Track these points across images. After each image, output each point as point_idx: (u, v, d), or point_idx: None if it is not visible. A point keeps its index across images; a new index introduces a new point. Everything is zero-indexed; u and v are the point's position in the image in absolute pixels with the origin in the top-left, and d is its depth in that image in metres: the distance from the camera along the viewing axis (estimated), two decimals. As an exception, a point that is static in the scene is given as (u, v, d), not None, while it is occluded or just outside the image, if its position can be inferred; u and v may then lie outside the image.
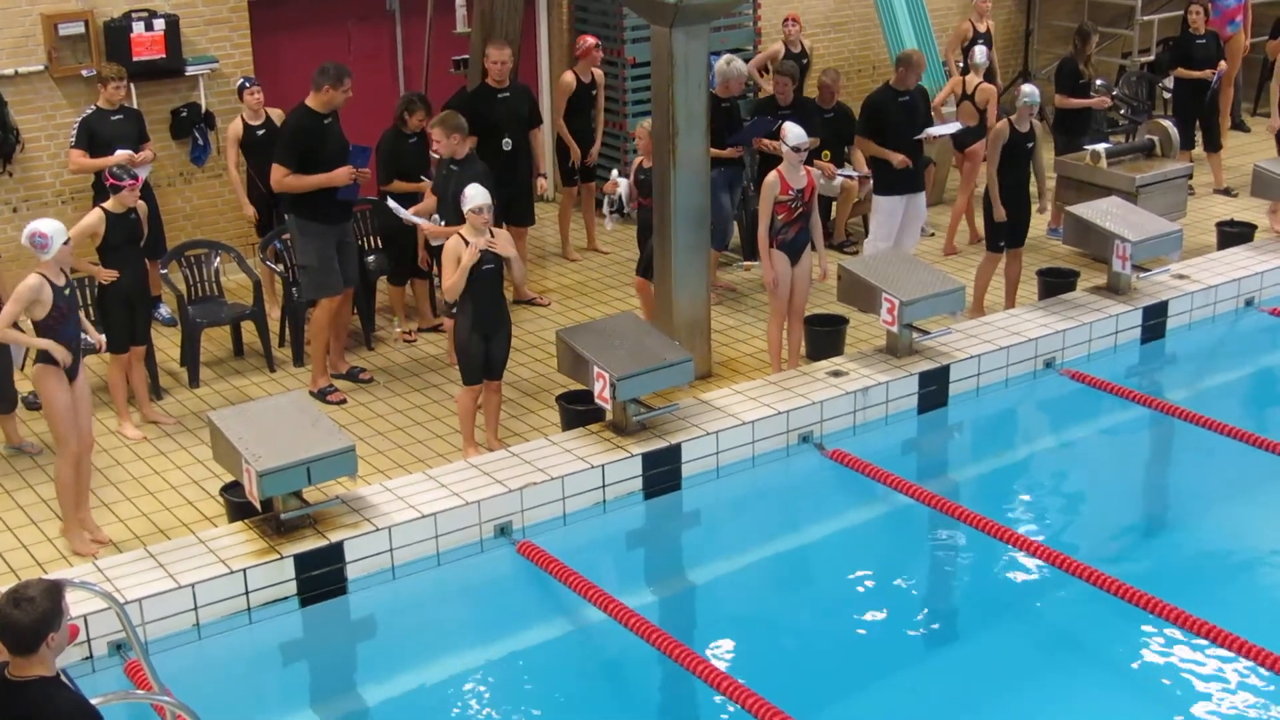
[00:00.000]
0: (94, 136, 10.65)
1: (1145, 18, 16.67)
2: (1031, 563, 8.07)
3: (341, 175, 9.86)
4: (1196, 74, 14.15)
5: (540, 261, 12.78)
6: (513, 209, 11.40)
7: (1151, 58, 16.42)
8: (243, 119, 11.11)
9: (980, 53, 13.28)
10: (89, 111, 10.78)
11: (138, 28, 11.65)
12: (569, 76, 12.56)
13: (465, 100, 11.57)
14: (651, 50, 10.10)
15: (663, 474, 8.79)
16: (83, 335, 8.25)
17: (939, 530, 8.66)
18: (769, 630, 7.78)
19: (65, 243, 7.92)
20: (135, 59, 11.64)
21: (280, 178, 9.90)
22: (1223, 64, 14.24)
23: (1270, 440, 9.16)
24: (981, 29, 14.76)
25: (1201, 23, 14.35)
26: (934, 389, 9.82)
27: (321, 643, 7.75)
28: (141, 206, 9.50)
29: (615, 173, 11.25)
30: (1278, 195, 12.29)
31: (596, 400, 8.88)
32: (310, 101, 9.85)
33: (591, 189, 13.10)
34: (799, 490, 9.20)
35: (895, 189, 11.50)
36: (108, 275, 9.22)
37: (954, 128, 12.60)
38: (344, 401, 10.05)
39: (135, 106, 11.26)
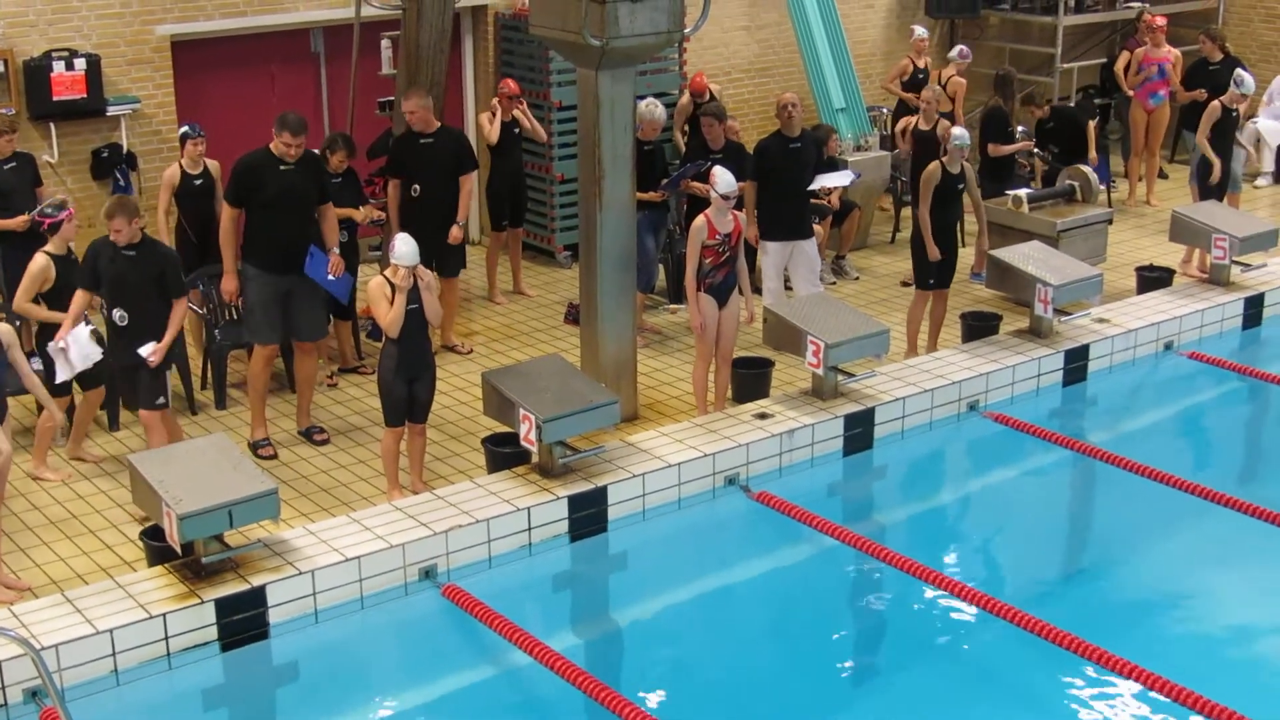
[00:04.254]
0: None
1: (1065, 65, 16.96)
2: (955, 603, 8.10)
3: (226, 286, 9.89)
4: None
5: (466, 305, 12.74)
6: (440, 258, 11.30)
7: (1072, 104, 16.69)
8: (181, 167, 10.92)
9: (957, 51, 14.98)
10: None
11: (58, 67, 11.54)
12: (484, 117, 12.62)
13: (391, 146, 11.54)
14: (578, 94, 10.14)
15: (589, 516, 8.75)
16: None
17: (864, 572, 8.68)
18: (695, 672, 7.76)
19: None
20: (55, 99, 11.54)
21: (223, 219, 9.92)
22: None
23: (1189, 481, 9.26)
24: (920, 65, 14.98)
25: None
26: (859, 431, 9.86)
27: (243, 688, 7.63)
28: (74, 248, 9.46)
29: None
30: (1195, 241, 12.48)
31: (522, 442, 8.84)
32: (272, 145, 9.75)
33: (519, 234, 13.09)
34: (725, 532, 9.19)
35: (777, 234, 11.52)
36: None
37: (847, 177, 12.70)
38: (274, 457, 9.88)
39: (27, 152, 11.06)
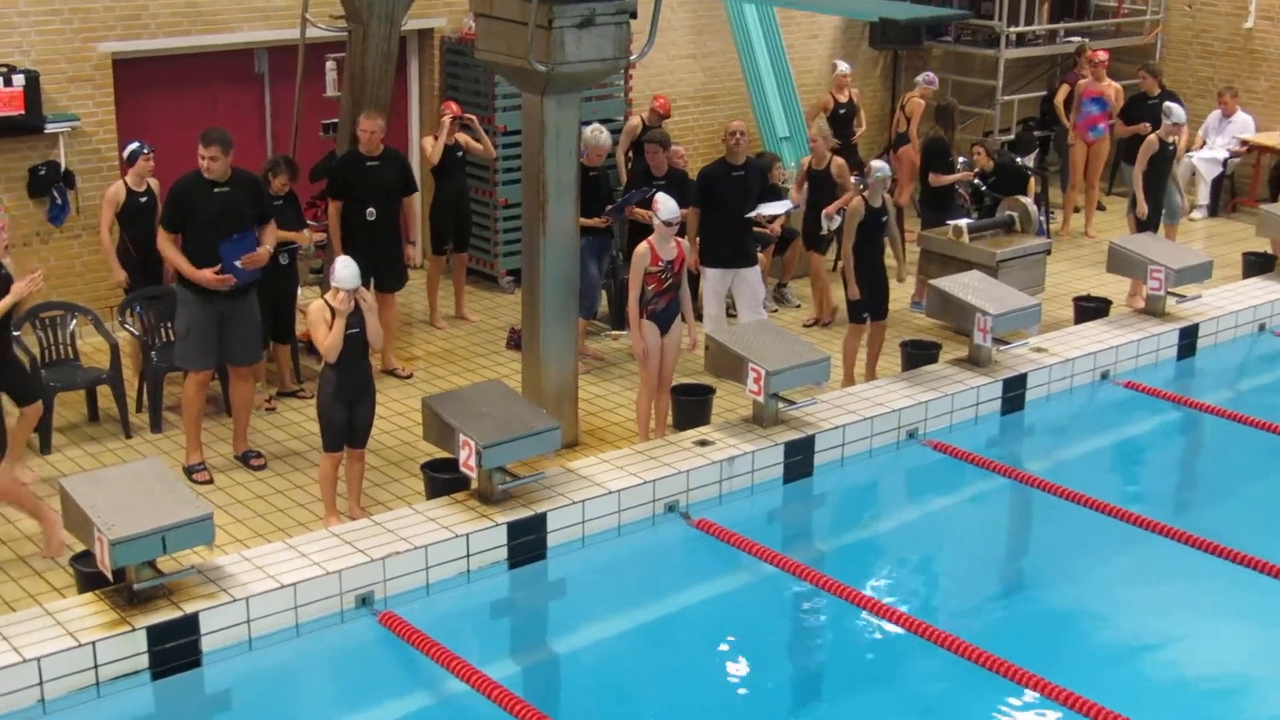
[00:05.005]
0: None
1: (1006, 98, 17.11)
2: (895, 630, 8.12)
3: (203, 276, 9.52)
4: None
5: (407, 329, 12.68)
6: (379, 274, 11.33)
7: (1012, 136, 16.86)
8: (126, 184, 10.82)
9: (924, 77, 15.32)
10: None
11: (-4, 83, 11.43)
12: (427, 140, 12.59)
13: (333, 167, 11.50)
14: (523, 118, 10.12)
15: (528, 543, 8.71)
16: None
17: (804, 599, 8.69)
18: (635, 701, 7.72)
19: None
20: (-8, 114, 11.43)
21: (160, 241, 9.78)
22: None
23: (1125, 510, 9.34)
24: (843, 99, 15.08)
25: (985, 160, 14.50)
26: (799, 459, 9.87)
27: (174, 718, 7.52)
28: (9, 263, 9.32)
29: None
30: (1131, 272, 12.59)
31: (462, 468, 8.80)
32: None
33: (463, 258, 13.06)
34: (665, 560, 9.17)
35: (716, 261, 11.52)
36: None
37: (786, 206, 12.70)
38: (210, 482, 9.77)
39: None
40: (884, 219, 11.11)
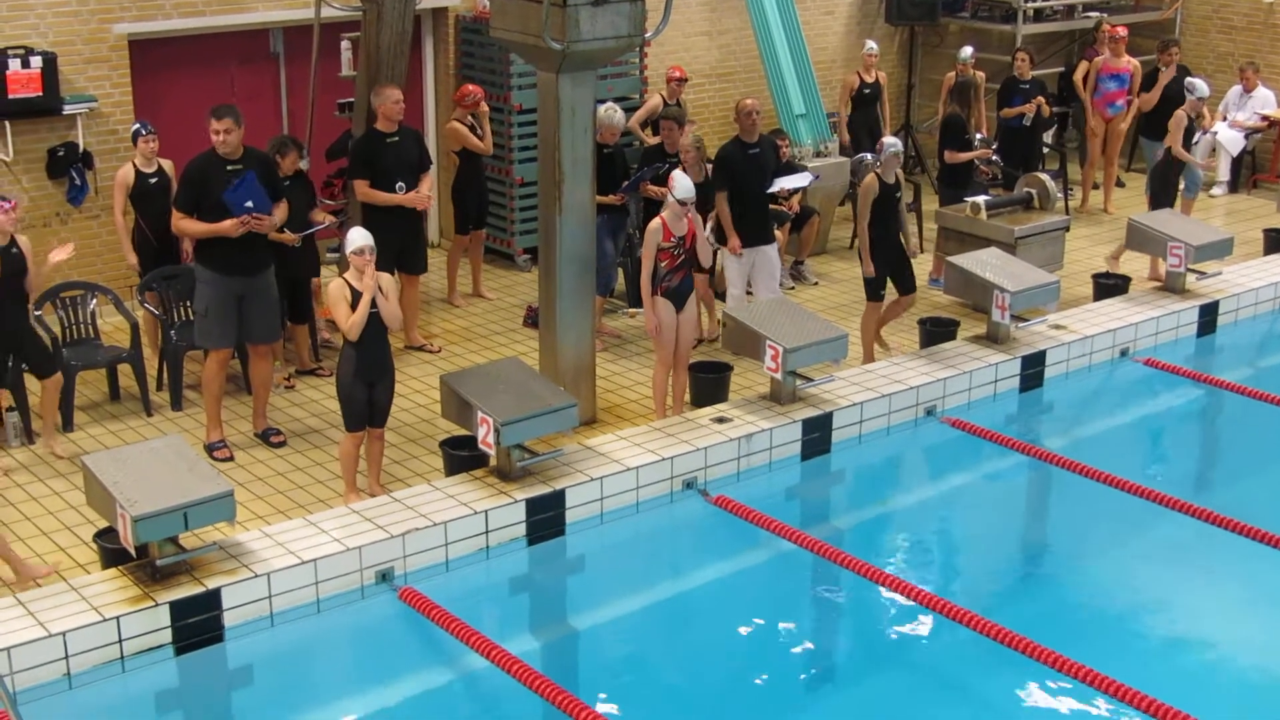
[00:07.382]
0: None
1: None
2: (912, 607, 8.13)
3: (226, 226, 9.53)
4: (1015, 110, 14.46)
5: (425, 307, 12.70)
6: (404, 257, 11.34)
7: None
8: (135, 166, 10.84)
9: (966, 51, 14.48)
10: None
11: (13, 65, 11.43)
12: (454, 125, 12.53)
13: (354, 147, 11.49)
14: (538, 97, 10.12)
15: (546, 520, 8.74)
16: None
17: (822, 576, 8.70)
18: (653, 676, 7.76)
19: None
20: (11, 96, 11.43)
21: (176, 221, 9.81)
22: (1039, 100, 14.50)
23: (1144, 487, 9.33)
24: (870, 79, 15.02)
25: (1027, 69, 14.68)
26: (817, 436, 9.88)
27: (197, 692, 7.59)
28: (24, 241, 9.36)
29: None
30: (1151, 248, 12.55)
31: (480, 445, 8.82)
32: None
33: (480, 236, 13.06)
34: (683, 536, 9.20)
35: (740, 240, 11.47)
36: None
37: (805, 179, 12.63)
38: (230, 459, 9.80)
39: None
40: (898, 195, 11.09)
